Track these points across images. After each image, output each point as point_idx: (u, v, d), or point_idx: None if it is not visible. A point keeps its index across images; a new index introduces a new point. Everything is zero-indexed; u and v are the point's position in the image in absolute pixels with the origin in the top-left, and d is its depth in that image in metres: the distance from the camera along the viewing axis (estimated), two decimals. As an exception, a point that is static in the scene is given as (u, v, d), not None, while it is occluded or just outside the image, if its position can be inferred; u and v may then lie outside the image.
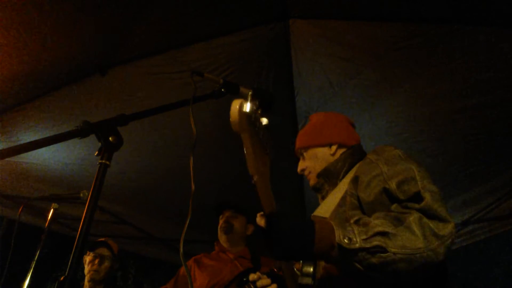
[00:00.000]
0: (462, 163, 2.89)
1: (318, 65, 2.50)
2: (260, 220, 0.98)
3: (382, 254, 0.93)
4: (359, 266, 0.95)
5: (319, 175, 1.43)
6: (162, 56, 2.34)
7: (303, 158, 1.53)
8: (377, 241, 0.94)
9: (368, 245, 0.93)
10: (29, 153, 2.72)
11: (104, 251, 2.56)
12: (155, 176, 3.22)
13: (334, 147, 1.46)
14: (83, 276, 2.60)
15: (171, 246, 4.41)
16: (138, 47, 2.27)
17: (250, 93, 1.03)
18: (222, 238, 2.46)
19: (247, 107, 0.81)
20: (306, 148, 1.52)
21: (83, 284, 2.54)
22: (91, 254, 2.53)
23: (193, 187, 1.09)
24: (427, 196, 1.03)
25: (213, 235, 4.02)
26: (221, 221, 2.49)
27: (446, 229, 0.97)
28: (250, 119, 0.84)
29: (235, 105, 0.80)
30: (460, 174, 2.92)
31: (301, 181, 3.51)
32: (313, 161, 1.48)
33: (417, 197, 1.04)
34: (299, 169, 1.54)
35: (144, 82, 2.46)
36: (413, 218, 0.98)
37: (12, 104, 2.41)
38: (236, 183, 3.40)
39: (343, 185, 1.29)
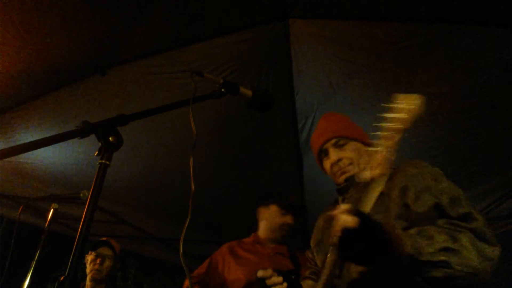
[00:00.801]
0: (462, 163, 2.89)
1: (318, 65, 2.50)
2: (350, 219, 0.94)
3: (446, 269, 0.96)
4: (419, 277, 0.97)
5: (347, 179, 1.39)
6: (162, 56, 2.33)
7: (340, 148, 1.42)
8: (443, 256, 0.96)
9: (434, 259, 0.96)
10: (29, 153, 2.71)
11: (106, 251, 2.57)
12: (155, 176, 3.21)
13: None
14: (84, 276, 2.60)
15: (171, 246, 4.40)
16: (138, 47, 2.27)
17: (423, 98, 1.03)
18: (258, 237, 2.31)
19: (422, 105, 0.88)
20: (350, 139, 1.44)
21: (84, 284, 2.55)
22: (93, 253, 2.54)
23: (193, 187, 1.09)
24: (480, 219, 1.07)
25: (213, 235, 4.03)
26: (280, 220, 2.27)
27: (494, 253, 1.01)
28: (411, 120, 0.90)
29: (412, 99, 0.86)
30: (460, 174, 2.92)
31: (301, 181, 3.51)
32: (357, 155, 1.40)
33: (468, 217, 1.07)
34: (336, 157, 1.41)
35: (144, 82, 2.46)
36: (467, 237, 1.00)
37: (12, 104, 2.41)
38: (236, 183, 3.41)
39: (372, 191, 1.25)
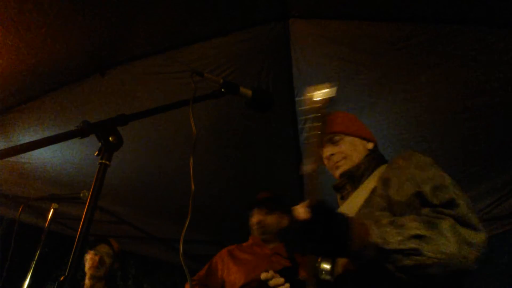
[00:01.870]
0: (462, 163, 2.89)
1: (318, 65, 2.50)
2: (302, 212, 0.96)
3: (417, 257, 0.94)
4: (391, 267, 0.96)
5: (342, 175, 1.41)
6: (162, 56, 2.33)
7: (336, 143, 1.46)
8: (413, 244, 0.94)
9: (404, 247, 0.94)
10: (29, 153, 2.72)
11: (105, 249, 2.57)
12: (155, 176, 3.22)
13: (371, 144, 1.46)
14: (83, 276, 2.61)
15: (171, 246, 4.41)
16: (138, 47, 2.27)
17: (337, 84, 1.06)
18: (255, 238, 2.35)
19: (333, 92, 0.88)
20: (346, 134, 1.46)
21: (84, 284, 2.55)
22: (92, 252, 2.54)
23: (193, 187, 1.09)
24: (462, 204, 1.04)
25: (213, 235, 4.03)
26: (253, 221, 2.34)
27: (478, 238, 0.98)
28: (326, 107, 0.90)
29: (322, 89, 0.87)
30: (460, 174, 2.92)
31: (301, 181, 3.51)
32: (351, 149, 1.43)
33: (451, 204, 1.05)
34: (329, 152, 1.45)
35: (144, 82, 2.46)
36: (447, 224, 0.98)
37: (12, 104, 2.41)
38: (236, 183, 3.41)
39: (366, 187, 1.29)
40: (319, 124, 0.99)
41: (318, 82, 2.73)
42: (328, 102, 1.00)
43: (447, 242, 0.95)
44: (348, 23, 2.21)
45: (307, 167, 1.00)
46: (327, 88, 0.97)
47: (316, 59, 2.46)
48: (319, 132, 0.99)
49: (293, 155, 3.28)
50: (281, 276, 1.41)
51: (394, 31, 2.15)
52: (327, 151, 1.45)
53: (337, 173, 1.43)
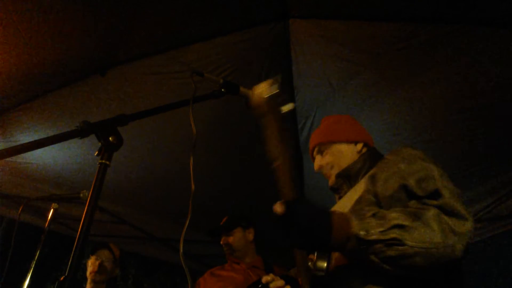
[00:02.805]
0: (462, 163, 2.89)
1: (318, 65, 2.50)
2: (279, 207, 0.96)
3: (398, 247, 0.93)
4: (374, 258, 0.96)
5: (338, 176, 1.42)
6: (162, 56, 2.33)
7: (322, 155, 1.49)
8: (394, 234, 0.94)
9: (385, 237, 0.94)
10: (29, 153, 2.72)
11: (105, 254, 2.59)
12: (155, 176, 3.22)
13: (360, 145, 1.47)
14: (84, 276, 2.62)
15: (171, 246, 4.41)
16: (138, 47, 2.27)
17: (279, 76, 1.04)
18: (230, 257, 2.48)
19: (273, 89, 0.87)
20: (330, 143, 1.49)
21: (85, 287, 2.57)
22: (93, 257, 2.56)
23: (193, 187, 1.10)
24: (446, 193, 1.04)
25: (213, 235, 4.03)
26: (221, 243, 2.50)
27: (464, 227, 0.97)
28: (275, 102, 0.89)
29: (262, 86, 0.86)
30: (460, 174, 2.92)
31: (301, 181, 3.51)
32: (337, 157, 1.45)
33: (436, 194, 1.05)
34: (317, 166, 1.50)
35: (144, 82, 2.46)
36: (431, 213, 0.98)
37: (12, 104, 2.41)
38: (236, 183, 3.41)
39: (360, 185, 1.29)
40: (274, 121, 1.00)
41: (318, 82, 2.74)
42: (273, 98, 0.99)
43: (430, 231, 0.94)
44: (348, 23, 2.21)
45: (275, 163, 1.02)
46: (270, 84, 0.97)
47: (316, 59, 2.46)
48: (277, 128, 1.00)
49: (293, 155, 3.28)
50: (284, 279, 1.42)
51: (394, 31, 2.15)
52: (316, 164, 1.51)
53: (330, 183, 1.47)
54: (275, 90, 0.89)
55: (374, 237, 0.94)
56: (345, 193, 1.39)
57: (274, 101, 0.86)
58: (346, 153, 1.45)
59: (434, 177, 1.09)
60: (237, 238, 2.45)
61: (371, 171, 1.27)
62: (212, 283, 2.36)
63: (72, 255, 0.81)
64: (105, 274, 2.53)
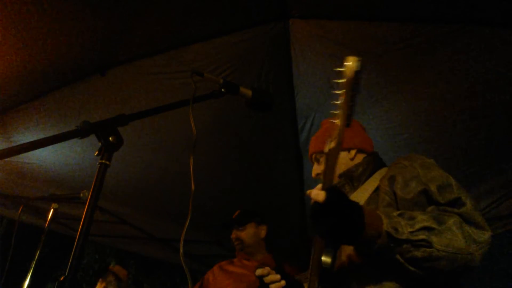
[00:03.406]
0: (462, 163, 2.89)
1: (318, 65, 2.50)
2: (320, 195, 0.94)
3: (426, 249, 0.94)
4: (399, 257, 0.96)
5: (340, 175, 1.43)
6: (162, 56, 2.33)
7: (319, 163, 1.52)
8: (423, 235, 0.95)
9: (414, 238, 0.94)
10: (29, 153, 2.71)
11: (109, 278, 2.74)
12: (155, 176, 3.22)
13: (353, 152, 1.48)
14: (84, 276, 2.66)
15: (171, 246, 4.41)
16: (138, 47, 2.27)
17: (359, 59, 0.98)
18: (240, 253, 2.44)
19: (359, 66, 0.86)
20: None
21: (85, 287, 2.64)
22: (100, 280, 2.76)
23: (193, 187, 1.10)
24: (468, 203, 1.05)
25: (213, 235, 4.03)
26: (232, 237, 2.46)
27: (484, 237, 1.00)
28: (357, 81, 0.89)
29: (353, 59, 0.85)
30: (460, 174, 2.92)
31: (301, 181, 3.51)
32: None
33: (457, 203, 1.06)
34: (314, 173, 1.52)
35: (144, 82, 2.45)
36: (453, 220, 0.99)
37: (12, 104, 2.41)
38: (236, 183, 3.41)
39: (367, 187, 1.30)
40: (345, 101, 0.96)
41: (318, 82, 2.73)
42: (353, 76, 0.95)
43: (455, 237, 0.96)
44: (348, 23, 2.21)
45: (328, 145, 0.99)
46: (351, 61, 0.93)
47: (316, 59, 2.46)
48: (344, 110, 0.97)
49: (293, 155, 3.28)
50: (280, 273, 1.40)
51: (394, 31, 2.15)
52: (314, 171, 1.53)
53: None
54: (356, 67, 0.89)
55: (404, 236, 0.94)
56: (347, 193, 1.40)
57: (358, 77, 0.86)
58: (340, 161, 1.45)
59: (453, 186, 1.11)
60: (250, 233, 2.40)
61: (388, 173, 1.27)
62: (223, 278, 2.31)
63: (72, 255, 0.81)
64: None
